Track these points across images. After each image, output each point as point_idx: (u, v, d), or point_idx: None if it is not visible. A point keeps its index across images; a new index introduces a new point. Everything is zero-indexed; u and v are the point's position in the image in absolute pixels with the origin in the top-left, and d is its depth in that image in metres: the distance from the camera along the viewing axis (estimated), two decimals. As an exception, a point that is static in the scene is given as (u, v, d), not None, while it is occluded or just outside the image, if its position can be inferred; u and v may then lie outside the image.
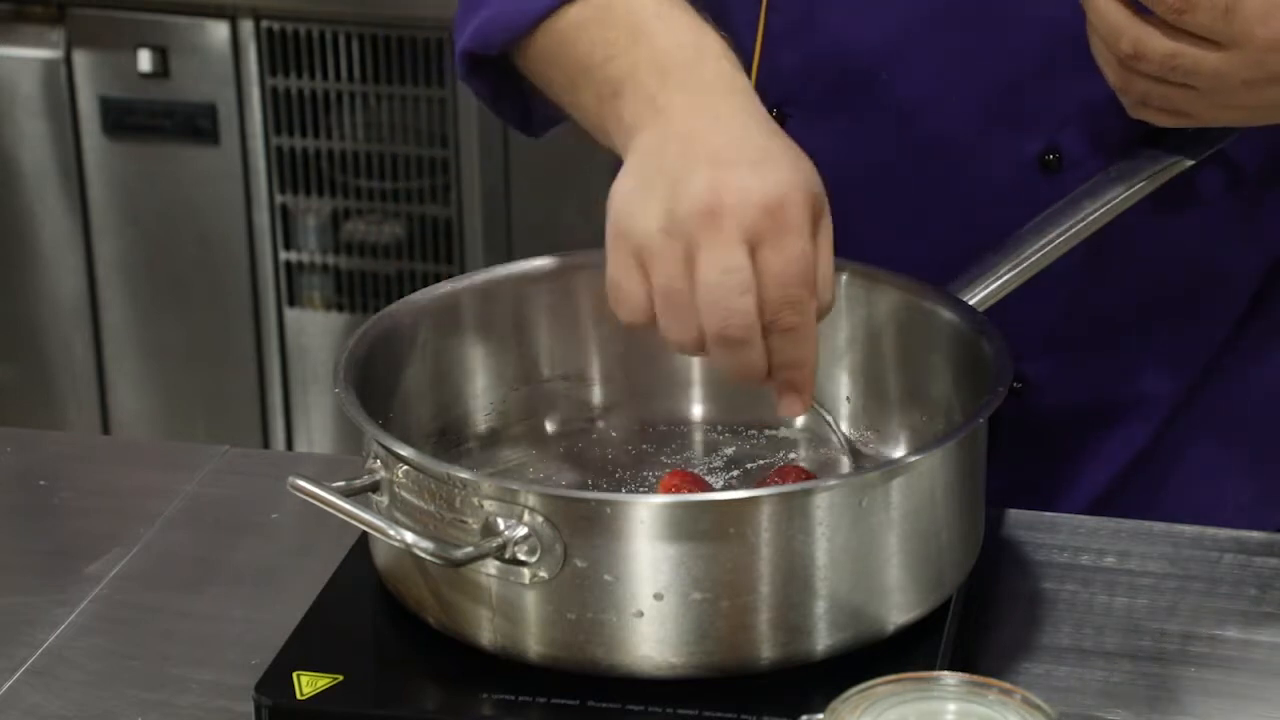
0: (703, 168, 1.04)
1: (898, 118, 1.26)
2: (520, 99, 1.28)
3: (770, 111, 1.28)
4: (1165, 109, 1.14)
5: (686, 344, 1.05)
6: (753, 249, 1.03)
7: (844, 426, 1.21)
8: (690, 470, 1.18)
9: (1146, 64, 1.11)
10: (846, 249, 1.22)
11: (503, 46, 1.23)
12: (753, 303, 1.03)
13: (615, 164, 1.10)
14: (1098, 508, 1.30)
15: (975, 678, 0.90)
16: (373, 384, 1.12)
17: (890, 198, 1.28)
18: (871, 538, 1.02)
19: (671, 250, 1.03)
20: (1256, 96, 1.11)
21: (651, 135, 1.08)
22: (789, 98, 1.28)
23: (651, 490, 1.17)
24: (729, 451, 1.22)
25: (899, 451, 1.19)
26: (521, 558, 1.00)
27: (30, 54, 2.72)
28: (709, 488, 1.15)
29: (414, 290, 1.19)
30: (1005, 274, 1.18)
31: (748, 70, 1.28)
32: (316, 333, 2.78)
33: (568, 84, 1.18)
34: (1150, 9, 1.09)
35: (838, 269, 1.20)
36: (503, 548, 0.99)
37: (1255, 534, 1.22)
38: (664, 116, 1.08)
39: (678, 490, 1.13)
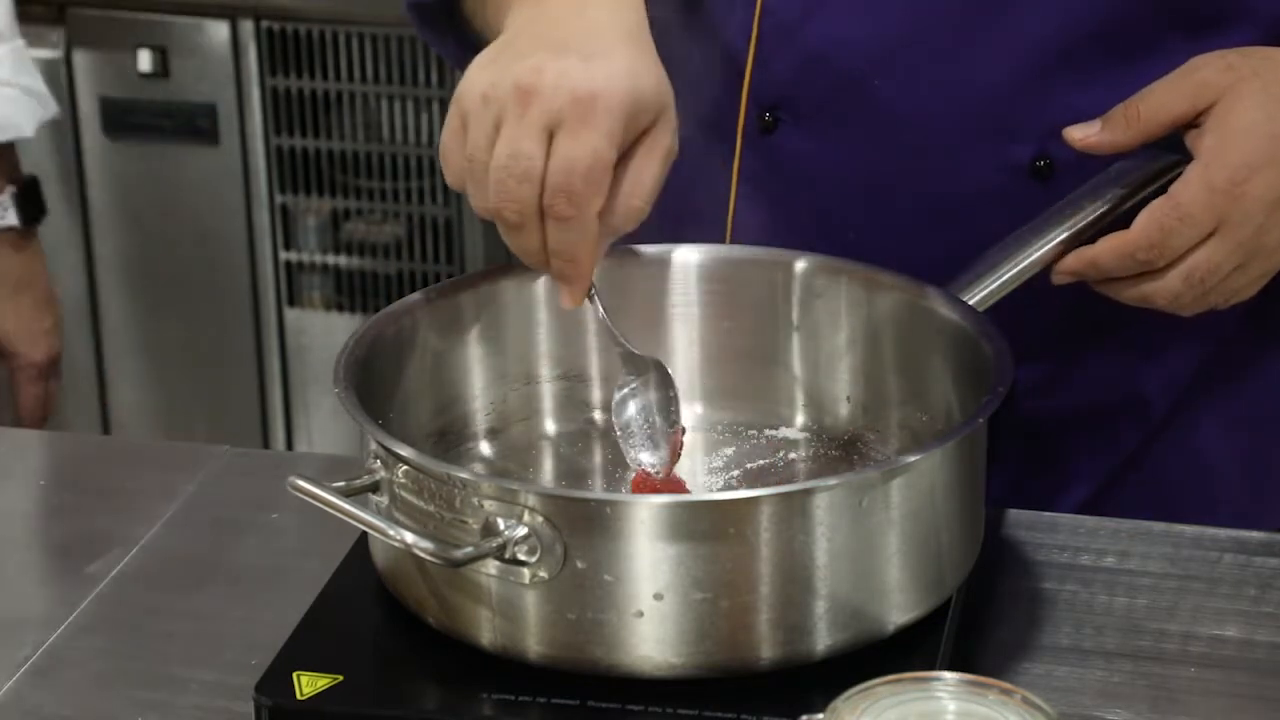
0: (540, 52, 1.06)
1: (889, 123, 1.26)
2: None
3: (762, 116, 1.28)
4: (1234, 297, 1.18)
5: (481, 212, 1.08)
6: (551, 135, 1.05)
7: (844, 426, 1.21)
8: (677, 474, 1.18)
9: (1188, 296, 1.16)
10: (841, 253, 1.22)
11: None
12: (530, 191, 1.05)
13: None
14: (1096, 507, 1.30)
15: (975, 678, 0.90)
16: (373, 384, 1.12)
17: (883, 203, 1.28)
18: (871, 538, 1.02)
19: (483, 119, 1.06)
20: (1276, 230, 1.15)
21: (519, 17, 1.11)
22: (782, 102, 1.28)
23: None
24: (729, 451, 1.22)
25: (899, 452, 1.19)
26: (521, 558, 1.00)
27: (30, 54, 2.71)
28: (681, 485, 1.16)
29: (414, 290, 1.20)
30: (1005, 274, 1.18)
31: (741, 74, 1.28)
32: (316, 333, 2.78)
33: (480, 6, 1.22)
34: (1144, 269, 1.15)
35: (838, 270, 1.20)
36: (503, 548, 0.99)
37: (1255, 534, 1.22)
38: (539, 5, 1.11)
39: (648, 489, 1.13)
